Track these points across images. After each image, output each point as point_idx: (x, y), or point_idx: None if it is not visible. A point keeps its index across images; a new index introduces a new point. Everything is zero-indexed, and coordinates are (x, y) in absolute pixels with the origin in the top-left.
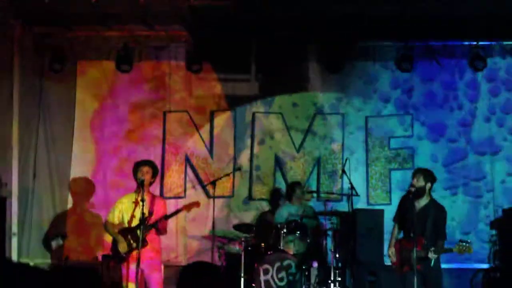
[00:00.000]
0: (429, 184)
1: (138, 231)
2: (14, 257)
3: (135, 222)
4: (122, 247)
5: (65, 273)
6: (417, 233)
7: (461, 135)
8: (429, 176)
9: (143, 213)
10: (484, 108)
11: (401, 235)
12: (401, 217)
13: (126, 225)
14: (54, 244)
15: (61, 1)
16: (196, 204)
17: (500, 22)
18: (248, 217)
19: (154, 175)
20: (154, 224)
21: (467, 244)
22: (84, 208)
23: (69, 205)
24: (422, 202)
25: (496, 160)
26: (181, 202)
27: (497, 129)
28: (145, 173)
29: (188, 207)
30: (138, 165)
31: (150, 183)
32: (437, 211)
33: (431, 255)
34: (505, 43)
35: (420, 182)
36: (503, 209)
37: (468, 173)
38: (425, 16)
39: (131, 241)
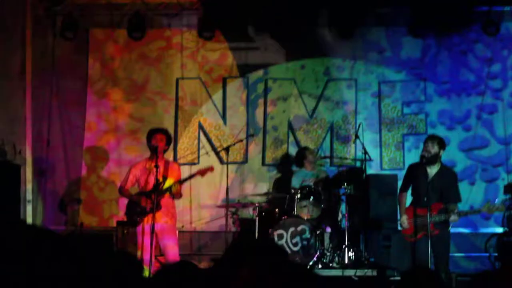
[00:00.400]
0: (442, 151)
1: (153, 195)
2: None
3: (148, 188)
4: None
5: (80, 238)
6: (432, 199)
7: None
8: (442, 142)
9: (157, 179)
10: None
11: (408, 203)
12: (411, 186)
13: (142, 190)
14: (69, 208)
15: None
16: (210, 169)
17: None
18: (262, 182)
19: (168, 143)
20: (168, 188)
21: (497, 204)
22: (99, 176)
23: (83, 172)
24: (434, 168)
25: None
26: (195, 168)
27: None
28: (159, 141)
29: (202, 171)
30: (152, 133)
31: (164, 151)
32: (450, 176)
33: (454, 217)
34: None
35: (434, 148)
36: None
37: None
38: None
39: (146, 205)
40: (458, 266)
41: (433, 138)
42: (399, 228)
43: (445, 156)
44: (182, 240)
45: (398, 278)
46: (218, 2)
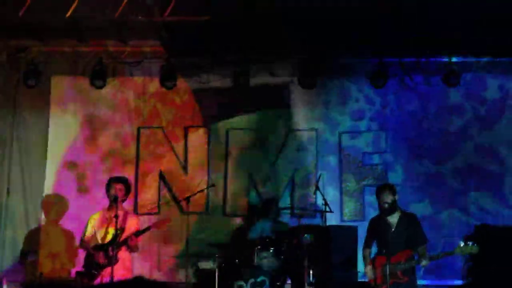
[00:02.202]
0: (396, 197)
1: (110, 248)
2: None
3: (108, 238)
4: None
5: None
6: (399, 247)
7: (436, 154)
8: (393, 189)
9: (116, 230)
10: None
11: (372, 255)
12: (374, 240)
13: (99, 241)
14: (29, 260)
15: (36, 15)
16: (167, 220)
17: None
18: (223, 233)
19: (127, 193)
20: (124, 241)
21: (470, 245)
22: (57, 224)
23: (42, 221)
24: (395, 217)
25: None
26: (155, 219)
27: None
28: (118, 190)
29: (158, 224)
30: (111, 182)
31: (123, 200)
32: (412, 220)
33: (425, 262)
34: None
35: (390, 197)
36: (475, 225)
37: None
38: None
39: (103, 258)
40: None
41: (384, 188)
42: (363, 279)
43: None
44: None
45: None
46: (182, 50)
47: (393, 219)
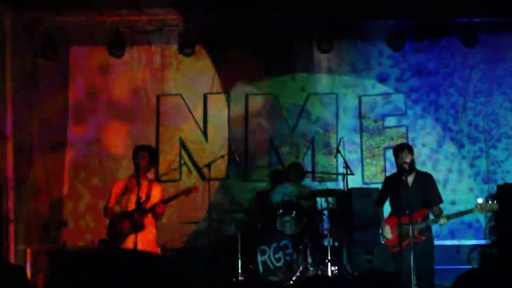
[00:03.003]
0: (414, 156)
1: (136, 215)
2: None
3: (131, 207)
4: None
5: (63, 258)
6: (415, 206)
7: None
8: (411, 149)
9: (139, 197)
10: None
11: (385, 215)
12: (388, 198)
13: (123, 209)
14: (55, 231)
15: None
16: (195, 189)
17: None
18: (244, 198)
19: (151, 161)
20: (151, 208)
21: (490, 202)
22: (81, 194)
23: (66, 190)
24: (411, 176)
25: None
26: (177, 185)
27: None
28: (141, 158)
29: (186, 191)
30: (137, 150)
31: (148, 169)
32: (427, 179)
33: (443, 221)
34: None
35: (409, 157)
36: (498, 185)
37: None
38: None
39: (129, 225)
40: (439, 279)
41: (403, 147)
42: (381, 240)
43: None
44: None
45: None
46: (199, 18)
47: (409, 178)
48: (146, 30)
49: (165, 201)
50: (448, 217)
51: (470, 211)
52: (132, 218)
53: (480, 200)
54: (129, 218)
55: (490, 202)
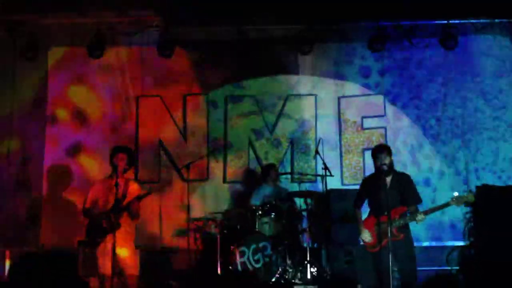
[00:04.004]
0: (392, 157)
1: (112, 214)
2: None
3: (109, 206)
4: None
5: (41, 260)
6: (393, 204)
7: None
8: (390, 150)
9: (116, 197)
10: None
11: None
12: (366, 200)
13: (101, 209)
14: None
15: None
16: (167, 185)
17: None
18: (223, 199)
19: (129, 163)
20: (127, 206)
21: (464, 195)
22: (59, 195)
23: (44, 191)
24: (389, 177)
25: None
26: (155, 187)
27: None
28: (120, 160)
29: (158, 189)
30: (115, 151)
31: (125, 170)
32: (405, 180)
33: (421, 216)
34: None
35: (388, 158)
36: (476, 186)
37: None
38: None
39: (106, 225)
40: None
41: (381, 149)
42: (361, 243)
43: None
44: (142, 258)
45: None
46: (180, 20)
47: (388, 179)
48: (127, 31)
49: (138, 197)
50: (426, 213)
51: (447, 205)
52: (109, 218)
53: (456, 194)
54: (107, 218)
55: (465, 194)
